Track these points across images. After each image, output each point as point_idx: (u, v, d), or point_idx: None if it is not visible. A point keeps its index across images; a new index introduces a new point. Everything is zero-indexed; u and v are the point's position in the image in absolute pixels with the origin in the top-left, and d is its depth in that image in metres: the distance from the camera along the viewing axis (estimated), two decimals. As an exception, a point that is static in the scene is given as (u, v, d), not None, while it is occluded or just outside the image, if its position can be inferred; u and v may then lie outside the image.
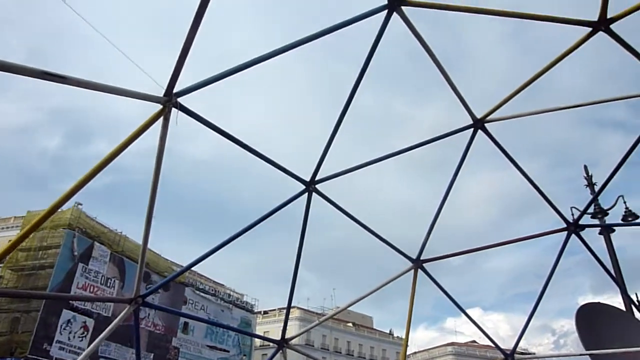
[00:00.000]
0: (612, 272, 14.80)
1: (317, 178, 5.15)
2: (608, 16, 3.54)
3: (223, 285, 50.80)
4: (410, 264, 6.10)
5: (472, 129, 4.84)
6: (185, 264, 7.72)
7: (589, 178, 15.94)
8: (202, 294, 45.12)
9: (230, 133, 4.30)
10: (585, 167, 16.52)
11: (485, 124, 4.80)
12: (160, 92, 3.41)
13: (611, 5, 3.56)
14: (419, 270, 6.11)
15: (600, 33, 3.74)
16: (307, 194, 5.22)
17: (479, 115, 4.75)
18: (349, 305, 7.68)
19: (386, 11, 3.78)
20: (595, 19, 3.61)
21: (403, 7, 3.75)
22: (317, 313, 59.26)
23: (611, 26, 3.66)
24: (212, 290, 47.08)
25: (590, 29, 3.67)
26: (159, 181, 3.99)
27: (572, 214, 15.57)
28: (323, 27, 3.87)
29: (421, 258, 6.05)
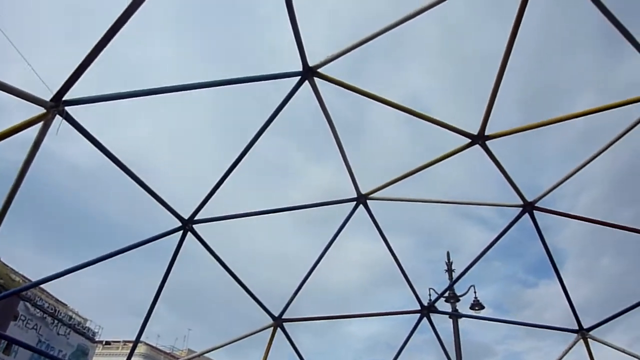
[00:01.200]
0: (454, 353, 16.03)
1: (196, 218, 5.02)
2: (486, 133, 4.09)
3: (66, 305, 45.69)
4: (271, 321, 6.08)
5: (354, 202, 5.14)
6: (32, 275, 6.88)
7: (449, 264, 17.40)
8: (38, 311, 40.04)
9: (113, 153, 4.07)
10: (448, 253, 18.07)
11: (368, 200, 5.13)
12: (49, 97, 3.17)
13: (491, 124, 4.13)
14: (279, 328, 6.11)
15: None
16: (182, 232, 5.05)
17: (363, 191, 5.09)
18: (205, 352, 7.35)
19: (299, 77, 3.98)
20: (476, 132, 4.15)
21: (315, 77, 3.98)
22: (165, 352, 55.41)
23: (488, 142, 4.22)
24: (52, 309, 42.01)
25: (469, 140, 4.20)
26: (22, 183, 3.62)
27: (430, 294, 16.77)
28: (242, 69, 3.95)
29: (283, 317, 6.06)
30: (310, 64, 3.92)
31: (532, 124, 3.83)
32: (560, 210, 4.68)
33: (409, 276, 5.60)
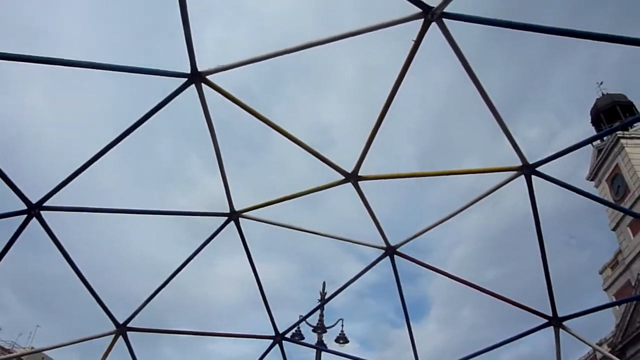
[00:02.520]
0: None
1: (46, 204, 4.53)
2: (360, 173, 4.22)
3: None
4: (114, 328, 5.62)
5: (226, 218, 4.98)
6: None
7: (322, 294, 17.65)
8: None
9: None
10: (324, 283, 18.36)
11: (240, 218, 5.01)
12: None
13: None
14: (122, 336, 5.66)
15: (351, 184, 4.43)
16: (26, 216, 4.52)
17: (237, 208, 4.97)
18: (42, 350, 6.59)
19: (186, 80, 3.82)
20: (351, 171, 4.28)
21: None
22: (3, 348, 49.45)
23: (363, 182, 4.39)
24: None
25: (343, 177, 4.32)
26: None
27: (307, 322, 16.76)
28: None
29: (128, 325, 5.64)
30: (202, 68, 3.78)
31: (402, 173, 4.02)
32: (424, 262, 4.87)
33: (269, 300, 5.52)
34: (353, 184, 4.22)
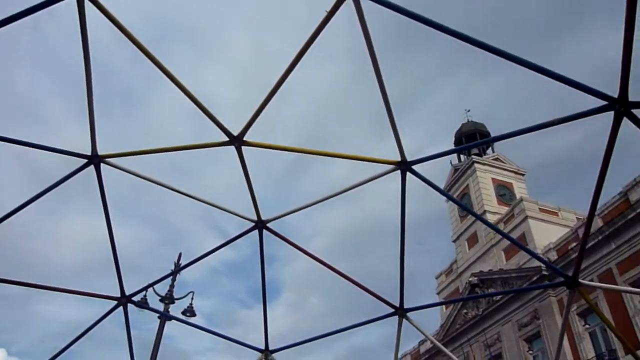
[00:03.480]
0: (151, 354, 15.46)
1: None
2: (244, 136, 4.06)
3: None
4: None
5: (86, 161, 4.44)
6: None
7: (176, 265, 17.02)
8: None
9: None
10: (180, 254, 17.73)
11: (102, 163, 4.49)
12: None
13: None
14: None
15: None
16: None
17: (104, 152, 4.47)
18: None
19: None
20: (236, 134, 4.09)
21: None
22: None
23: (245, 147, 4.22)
24: None
25: (227, 139, 4.14)
26: None
27: (148, 290, 16.01)
28: None
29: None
30: None
31: (287, 146, 3.95)
32: (290, 239, 4.83)
33: (121, 264, 5.09)
34: (236, 148, 4.04)
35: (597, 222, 23.66)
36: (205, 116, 3.93)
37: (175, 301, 16.99)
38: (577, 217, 30.15)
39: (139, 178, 4.48)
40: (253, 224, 4.65)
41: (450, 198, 3.60)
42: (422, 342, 38.22)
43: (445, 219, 39.83)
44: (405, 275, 4.30)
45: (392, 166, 4.00)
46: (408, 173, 3.90)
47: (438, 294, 37.21)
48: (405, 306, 4.41)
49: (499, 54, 2.66)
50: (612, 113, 2.66)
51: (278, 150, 4.02)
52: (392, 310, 4.48)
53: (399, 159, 3.92)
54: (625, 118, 2.44)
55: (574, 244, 24.44)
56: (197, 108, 3.66)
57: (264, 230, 4.50)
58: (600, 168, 2.92)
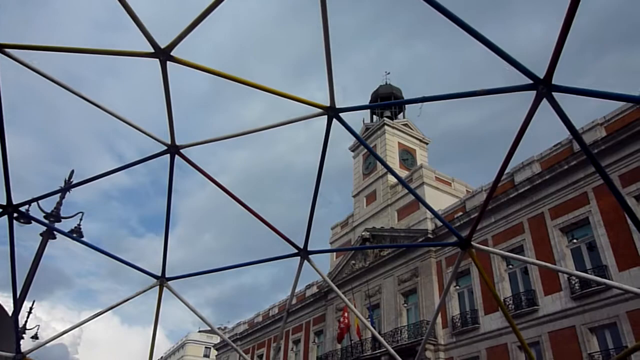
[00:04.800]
0: (29, 272, 14.52)
1: None
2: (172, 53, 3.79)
3: None
4: None
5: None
6: None
7: (67, 182, 15.92)
8: None
9: None
10: (72, 172, 16.57)
11: (5, 51, 3.92)
12: None
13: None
14: None
15: None
16: None
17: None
18: None
19: None
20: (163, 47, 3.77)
21: None
22: None
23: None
24: None
25: (152, 50, 3.80)
26: None
27: (40, 208, 14.88)
28: None
29: None
30: None
31: (215, 70, 3.72)
32: (198, 166, 4.64)
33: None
34: (161, 62, 3.73)
35: (483, 196, 25.89)
36: (129, 25, 3.56)
37: (62, 220, 16.04)
38: (467, 190, 32.71)
39: (35, 79, 3.98)
40: (165, 147, 4.40)
41: (370, 150, 3.70)
42: (308, 287, 40.07)
43: (347, 176, 41.19)
44: (300, 223, 4.37)
45: (319, 110, 3.96)
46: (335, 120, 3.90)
47: (331, 243, 38.87)
48: (309, 250, 4.50)
49: (442, 11, 2.66)
50: (534, 93, 2.82)
51: (206, 72, 3.78)
52: (296, 251, 4.57)
53: (328, 104, 3.89)
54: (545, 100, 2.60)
55: (460, 213, 26.62)
56: (125, 11, 3.28)
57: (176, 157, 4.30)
58: (512, 142, 3.12)
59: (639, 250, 18.01)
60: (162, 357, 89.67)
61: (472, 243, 3.61)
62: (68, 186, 15.62)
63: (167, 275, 4.98)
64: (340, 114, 4.30)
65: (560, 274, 20.55)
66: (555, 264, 21.00)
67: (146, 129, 4.84)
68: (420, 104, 3.43)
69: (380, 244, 31.28)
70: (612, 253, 19.04)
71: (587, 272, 19.74)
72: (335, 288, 5.07)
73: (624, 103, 20.57)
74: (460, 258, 3.69)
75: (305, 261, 4.50)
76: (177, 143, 4.40)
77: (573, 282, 19.96)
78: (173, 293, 5.06)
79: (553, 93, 2.63)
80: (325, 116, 4.27)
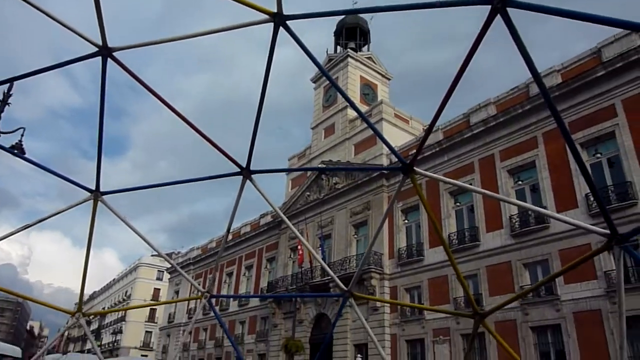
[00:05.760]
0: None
1: None
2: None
3: None
4: None
5: None
6: None
7: (5, 95, 14.88)
8: None
9: None
10: (12, 85, 15.46)
11: None
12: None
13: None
14: None
15: None
16: None
17: None
18: None
19: None
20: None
21: None
22: None
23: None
24: None
25: None
26: None
27: None
28: None
29: None
30: None
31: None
32: (135, 73, 4.28)
33: None
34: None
35: (439, 135, 26.29)
36: None
37: (1, 135, 15.15)
38: (423, 128, 33.07)
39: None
40: (96, 49, 4.01)
41: (328, 77, 3.48)
42: (262, 216, 40.49)
43: (307, 109, 40.63)
44: (257, 155, 4.18)
45: (265, 16, 3.69)
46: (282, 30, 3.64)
47: (288, 175, 38.99)
48: (252, 169, 4.34)
49: None
50: (488, 8, 2.63)
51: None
52: (238, 170, 4.40)
53: (275, 10, 3.61)
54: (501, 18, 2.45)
55: (414, 150, 26.99)
56: None
57: (110, 60, 3.94)
58: (461, 64, 2.95)
59: (577, 194, 19.01)
60: (114, 280, 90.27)
61: (415, 168, 3.56)
62: (5, 98, 14.69)
63: (102, 190, 4.76)
64: (287, 22, 4.04)
65: (503, 213, 21.55)
66: (500, 204, 21.96)
67: (84, 34, 4.40)
68: (371, 15, 3.24)
69: (335, 177, 31.62)
70: (552, 195, 20.03)
71: (528, 211, 20.81)
72: (279, 211, 5.00)
73: (583, 52, 20.82)
74: (402, 182, 3.66)
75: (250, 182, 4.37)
76: (111, 45, 4.03)
77: (514, 221, 21.01)
78: (109, 209, 4.85)
79: (508, 9, 2.49)
80: (272, 24, 4.01)
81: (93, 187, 4.83)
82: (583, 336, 17.43)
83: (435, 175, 4.03)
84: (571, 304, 18.08)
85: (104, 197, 4.83)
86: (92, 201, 4.84)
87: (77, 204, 4.93)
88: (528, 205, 3.73)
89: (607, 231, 2.74)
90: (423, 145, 3.47)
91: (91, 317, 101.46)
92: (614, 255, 2.69)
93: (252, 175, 4.43)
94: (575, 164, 19.54)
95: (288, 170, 4.34)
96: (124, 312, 72.02)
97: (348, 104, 35.97)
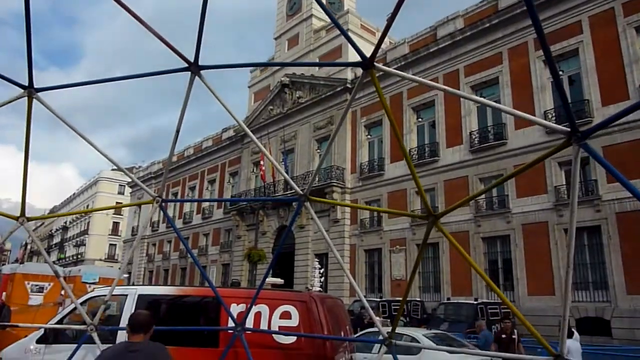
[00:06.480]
0: None
1: None
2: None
3: None
4: None
5: None
6: None
7: None
8: None
9: None
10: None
11: None
12: None
13: None
14: None
15: None
16: None
17: None
18: None
19: None
20: None
21: None
22: None
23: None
24: None
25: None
26: None
27: None
28: None
29: None
30: None
31: None
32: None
33: None
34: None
35: (405, 49, 25.70)
36: None
37: None
38: (390, 41, 32.21)
39: None
40: None
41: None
42: (225, 130, 39.77)
43: (270, 16, 38.61)
44: (201, 29, 3.81)
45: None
46: None
47: (250, 87, 37.85)
48: (200, 64, 4.00)
49: None
50: None
51: None
52: (186, 65, 4.06)
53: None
54: None
55: (381, 64, 26.40)
56: None
57: None
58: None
59: (536, 111, 19.31)
60: (74, 194, 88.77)
61: (375, 64, 3.34)
62: None
63: (37, 86, 4.35)
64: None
65: (463, 129, 21.81)
66: (461, 120, 22.17)
67: None
68: None
69: (299, 91, 30.91)
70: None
71: (487, 128, 21.14)
72: (245, 128, 4.76)
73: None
74: (362, 78, 3.45)
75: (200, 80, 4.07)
76: None
77: (473, 137, 21.36)
78: (45, 106, 4.48)
79: None
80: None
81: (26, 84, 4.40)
82: (529, 246, 18.58)
83: (394, 70, 3.85)
84: (521, 217, 19.04)
85: (39, 94, 4.42)
86: (25, 97, 4.43)
87: (9, 101, 4.51)
88: (491, 103, 3.61)
89: (568, 129, 2.65)
90: (383, 39, 3.23)
91: (36, 222, 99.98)
92: (573, 158, 2.64)
93: (202, 72, 4.11)
94: (537, 82, 19.65)
95: (239, 66, 4.05)
96: (86, 225, 71.76)
97: (312, 13, 34.21)
